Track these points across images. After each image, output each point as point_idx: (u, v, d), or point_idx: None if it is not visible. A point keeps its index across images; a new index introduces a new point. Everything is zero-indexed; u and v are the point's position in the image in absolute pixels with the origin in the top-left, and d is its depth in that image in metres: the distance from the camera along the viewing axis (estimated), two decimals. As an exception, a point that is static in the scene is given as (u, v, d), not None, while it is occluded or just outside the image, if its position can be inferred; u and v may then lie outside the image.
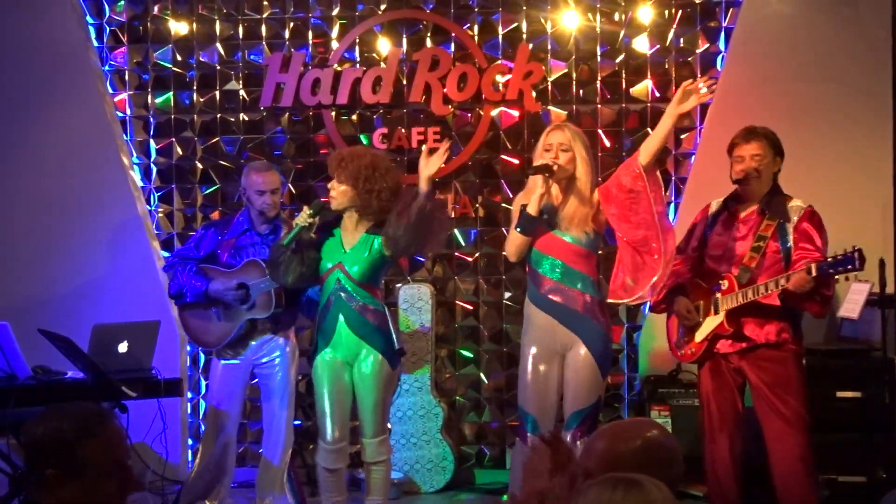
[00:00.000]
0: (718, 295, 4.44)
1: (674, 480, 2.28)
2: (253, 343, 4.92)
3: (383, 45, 5.99)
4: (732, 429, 4.48)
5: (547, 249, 4.36)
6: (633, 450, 2.29)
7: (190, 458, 5.90)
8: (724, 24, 5.81)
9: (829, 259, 4.15)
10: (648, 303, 5.83)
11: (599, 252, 4.50)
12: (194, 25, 6.09)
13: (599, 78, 5.90)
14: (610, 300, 4.39)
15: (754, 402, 4.45)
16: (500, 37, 5.94)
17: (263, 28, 6.06)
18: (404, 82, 5.95)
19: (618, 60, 5.88)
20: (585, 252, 4.36)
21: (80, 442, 2.50)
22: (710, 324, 4.48)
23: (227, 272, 4.86)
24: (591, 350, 4.33)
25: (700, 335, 4.52)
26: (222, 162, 6.09)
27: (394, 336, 4.48)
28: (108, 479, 2.53)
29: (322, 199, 4.61)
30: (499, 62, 5.90)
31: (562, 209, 4.35)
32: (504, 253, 4.58)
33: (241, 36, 6.07)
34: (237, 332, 4.86)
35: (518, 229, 4.35)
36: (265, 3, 6.05)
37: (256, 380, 5.12)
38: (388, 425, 4.77)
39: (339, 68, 5.97)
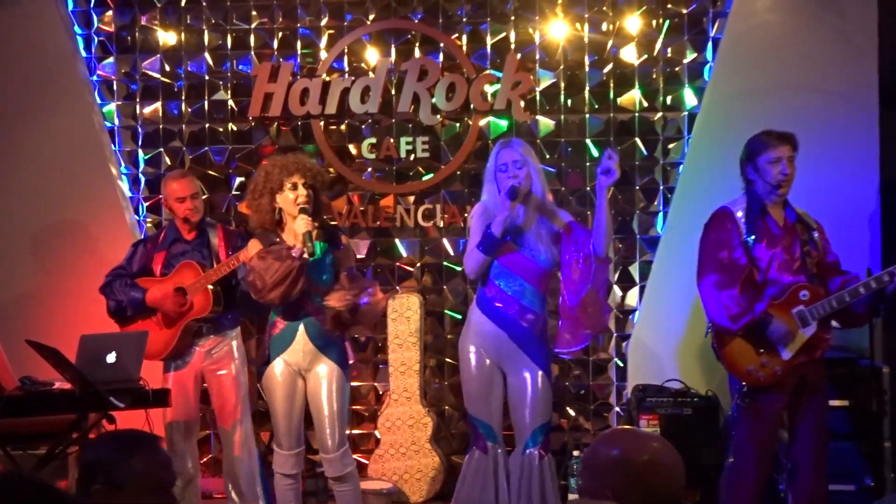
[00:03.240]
0: (802, 307, 4.22)
1: (676, 494, 2.30)
2: (199, 348, 4.94)
3: (372, 55, 6.00)
4: (775, 448, 4.42)
5: (509, 265, 4.37)
6: (643, 462, 2.33)
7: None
8: (712, 34, 5.83)
9: None
10: (638, 312, 5.85)
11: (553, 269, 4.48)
12: (182, 35, 6.08)
13: (587, 88, 5.91)
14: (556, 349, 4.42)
15: (804, 406, 4.34)
16: (489, 47, 5.95)
17: (252, 38, 6.06)
18: (393, 92, 5.95)
19: (606, 70, 5.89)
20: (545, 271, 4.39)
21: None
22: (801, 337, 4.23)
23: (162, 280, 4.93)
24: (540, 367, 4.38)
25: (790, 351, 4.24)
26: (211, 172, 6.08)
27: (348, 348, 4.53)
28: None
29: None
30: (487, 72, 5.91)
31: (525, 227, 4.37)
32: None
33: (229, 46, 6.07)
34: (180, 336, 4.88)
35: (480, 248, 4.34)
36: (253, 12, 6.05)
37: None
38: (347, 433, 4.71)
39: (327, 78, 5.97)
